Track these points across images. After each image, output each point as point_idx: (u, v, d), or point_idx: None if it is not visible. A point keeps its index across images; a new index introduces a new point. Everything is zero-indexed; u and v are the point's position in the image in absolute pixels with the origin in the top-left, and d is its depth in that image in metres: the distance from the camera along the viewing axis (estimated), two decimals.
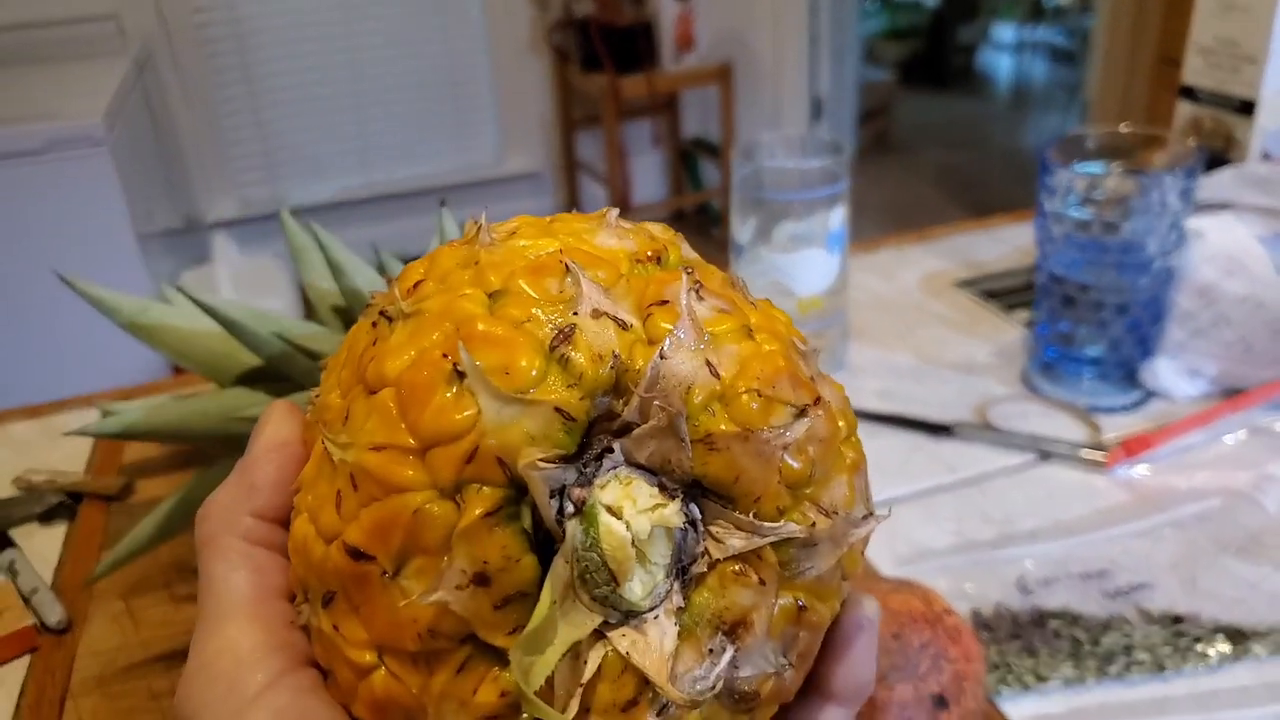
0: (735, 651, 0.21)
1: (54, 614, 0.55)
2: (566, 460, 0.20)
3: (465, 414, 0.20)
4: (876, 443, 0.67)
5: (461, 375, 0.20)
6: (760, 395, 0.21)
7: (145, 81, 2.49)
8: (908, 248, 0.97)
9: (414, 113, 3.04)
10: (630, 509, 0.20)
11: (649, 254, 0.24)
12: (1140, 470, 0.62)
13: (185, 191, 2.77)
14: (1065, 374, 0.71)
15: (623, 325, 0.21)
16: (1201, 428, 0.64)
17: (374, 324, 0.23)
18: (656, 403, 0.20)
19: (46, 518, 0.64)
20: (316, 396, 0.25)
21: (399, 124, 3.03)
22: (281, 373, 0.47)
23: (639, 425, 0.21)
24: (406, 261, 0.27)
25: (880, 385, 0.74)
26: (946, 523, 0.59)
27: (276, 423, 0.27)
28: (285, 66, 2.85)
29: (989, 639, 0.50)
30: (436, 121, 3.09)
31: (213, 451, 0.52)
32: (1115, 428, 0.66)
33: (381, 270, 0.50)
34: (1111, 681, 0.48)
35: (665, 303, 0.22)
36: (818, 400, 0.22)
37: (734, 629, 0.21)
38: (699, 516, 0.21)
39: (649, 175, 3.35)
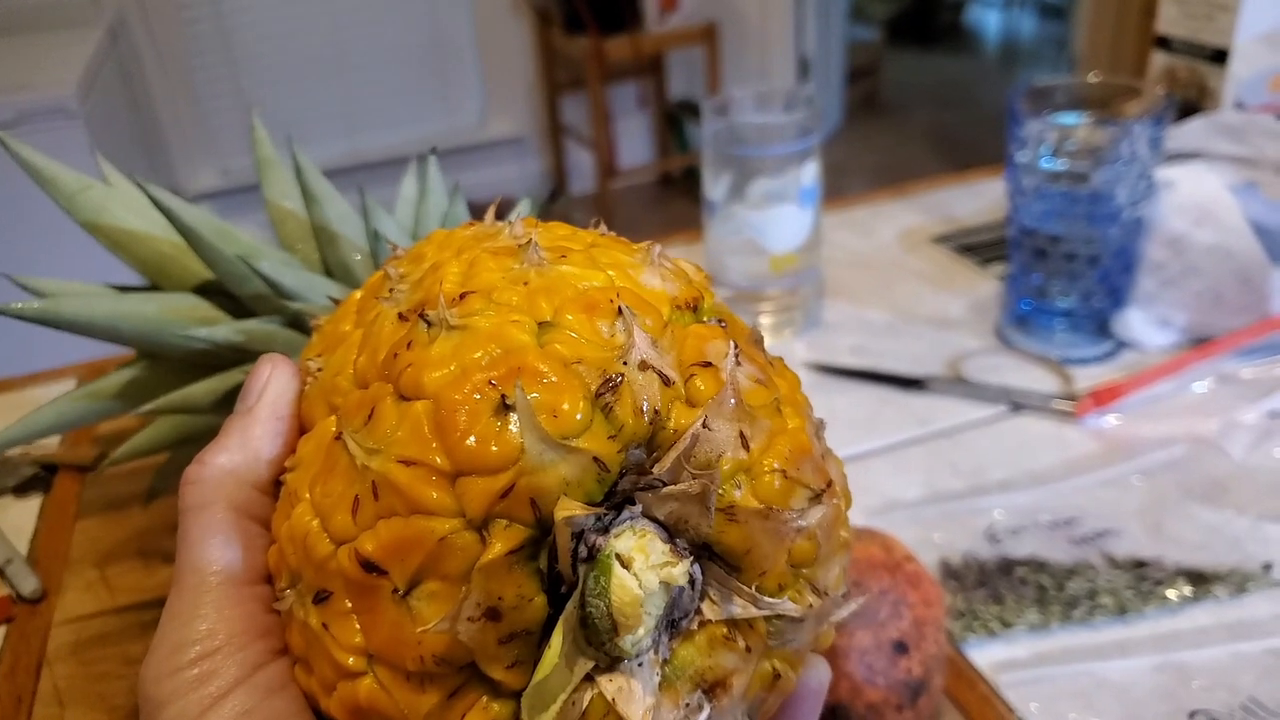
0: (710, 710, 0.21)
1: (28, 584, 0.55)
2: (590, 504, 0.21)
3: (507, 449, 0.20)
4: (847, 397, 0.68)
5: (508, 408, 0.20)
6: (785, 476, 0.22)
7: (120, 50, 2.46)
8: (886, 204, 0.96)
9: (397, 78, 3.02)
10: (642, 562, 0.20)
11: (687, 301, 0.24)
12: (1110, 420, 0.62)
13: (164, 163, 2.74)
14: (1038, 326, 0.71)
15: (666, 381, 0.21)
16: (1170, 377, 0.64)
17: (402, 316, 0.23)
18: (689, 469, 0.21)
19: (21, 490, 0.64)
20: (318, 370, 0.25)
21: (381, 90, 3.01)
22: (233, 293, 0.43)
23: (666, 483, 0.21)
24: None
25: (855, 341, 0.74)
26: (916, 474, 0.60)
27: (278, 387, 0.26)
28: (264, 32, 2.82)
29: (956, 588, 0.51)
30: (419, 87, 3.06)
31: (142, 355, 0.45)
32: (1087, 379, 0.67)
33: (365, 217, 0.45)
34: (1075, 625, 0.48)
35: (708, 364, 0.22)
36: (830, 484, 0.23)
37: (713, 689, 0.21)
38: (700, 576, 0.22)
39: (635, 138, 3.33)
